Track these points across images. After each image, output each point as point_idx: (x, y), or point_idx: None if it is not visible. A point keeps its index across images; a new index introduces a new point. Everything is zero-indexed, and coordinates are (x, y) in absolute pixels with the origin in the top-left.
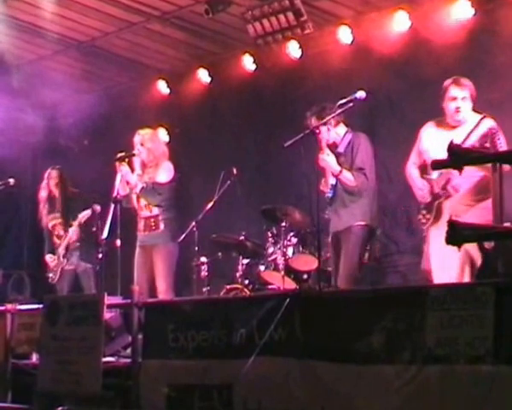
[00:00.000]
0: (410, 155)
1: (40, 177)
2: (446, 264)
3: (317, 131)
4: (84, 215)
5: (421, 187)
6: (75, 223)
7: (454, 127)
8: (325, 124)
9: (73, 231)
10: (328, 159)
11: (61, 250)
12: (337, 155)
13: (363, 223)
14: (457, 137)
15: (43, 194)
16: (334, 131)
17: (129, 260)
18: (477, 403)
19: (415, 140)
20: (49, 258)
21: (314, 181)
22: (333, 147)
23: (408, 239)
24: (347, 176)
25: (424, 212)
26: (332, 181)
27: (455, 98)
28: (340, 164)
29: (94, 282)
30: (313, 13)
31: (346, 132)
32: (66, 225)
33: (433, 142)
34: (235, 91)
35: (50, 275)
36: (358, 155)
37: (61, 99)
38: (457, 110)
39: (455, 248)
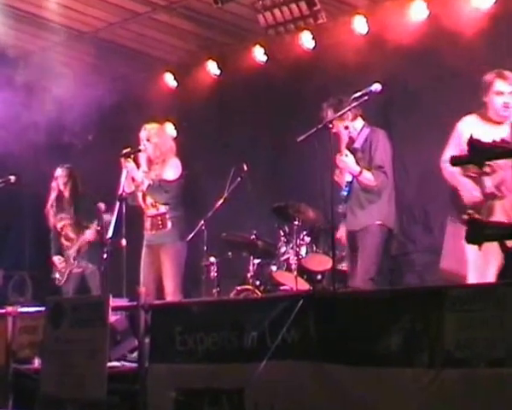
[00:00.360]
0: (445, 151)
1: (42, 174)
2: (490, 267)
3: (332, 125)
4: (106, 219)
5: (469, 187)
6: (93, 225)
7: (499, 123)
8: (342, 118)
9: (90, 234)
10: (347, 160)
11: (72, 252)
12: (354, 152)
13: (380, 222)
14: (504, 133)
15: (52, 194)
16: (352, 126)
17: (135, 260)
18: (498, 408)
19: (433, 134)
20: (57, 259)
21: (328, 177)
22: (349, 142)
23: (425, 237)
24: (367, 176)
25: (471, 212)
26: (348, 178)
27: (501, 93)
28: (357, 161)
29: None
30: (327, 2)
31: (363, 127)
32: (76, 226)
33: (479, 136)
34: (246, 84)
35: (57, 277)
36: (377, 152)
37: (64, 93)
38: (506, 106)
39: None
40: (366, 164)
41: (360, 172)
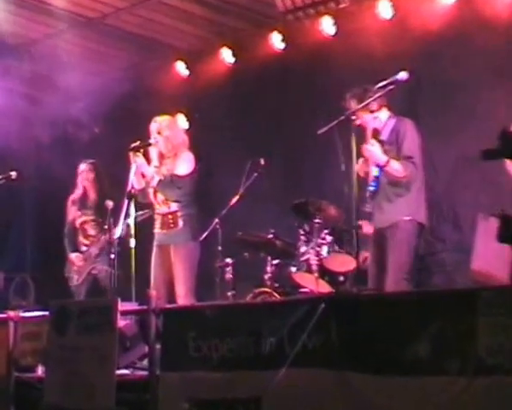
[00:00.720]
0: None
1: (45, 169)
2: None
3: (355, 116)
4: (143, 214)
5: None
6: (126, 221)
7: None
8: (367, 109)
9: (122, 231)
10: (373, 149)
11: (94, 250)
12: (380, 144)
13: (410, 217)
14: None
15: (76, 191)
16: (377, 116)
17: (145, 261)
18: None
19: (465, 127)
20: (75, 257)
21: (351, 172)
22: (374, 134)
23: (455, 236)
24: (395, 166)
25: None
26: (375, 172)
27: None
28: (384, 154)
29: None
30: None
31: (389, 118)
32: (98, 224)
33: None
34: (262, 73)
35: (74, 276)
36: (405, 142)
37: (69, 83)
38: None
39: None
40: (394, 156)
41: (387, 162)
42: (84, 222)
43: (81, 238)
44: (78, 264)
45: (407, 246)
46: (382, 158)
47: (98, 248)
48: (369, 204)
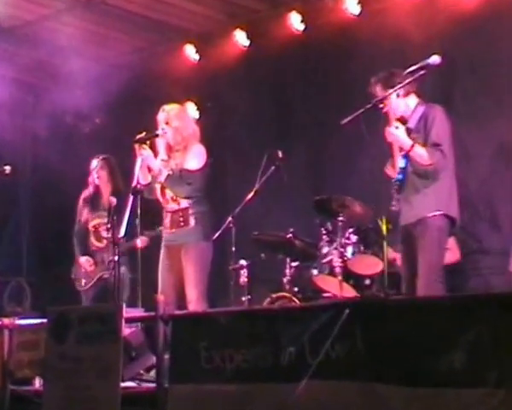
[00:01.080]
0: None
1: (42, 163)
2: None
3: (382, 104)
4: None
5: None
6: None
7: None
8: (395, 95)
9: (142, 241)
10: (397, 132)
11: (106, 256)
12: (407, 132)
13: (439, 212)
14: None
15: (88, 191)
16: (404, 102)
17: (152, 263)
18: None
19: (504, 117)
20: (85, 261)
21: (378, 166)
22: (402, 122)
23: (493, 236)
24: (420, 152)
25: None
26: (401, 163)
27: None
28: None
29: (127, 291)
30: None
31: (418, 105)
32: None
33: None
34: (280, 57)
35: (83, 281)
36: (433, 128)
37: (68, 69)
38: None
39: None
40: (421, 144)
41: (412, 147)
42: (98, 225)
43: (93, 240)
44: (88, 268)
45: (438, 245)
46: (407, 142)
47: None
48: (395, 201)
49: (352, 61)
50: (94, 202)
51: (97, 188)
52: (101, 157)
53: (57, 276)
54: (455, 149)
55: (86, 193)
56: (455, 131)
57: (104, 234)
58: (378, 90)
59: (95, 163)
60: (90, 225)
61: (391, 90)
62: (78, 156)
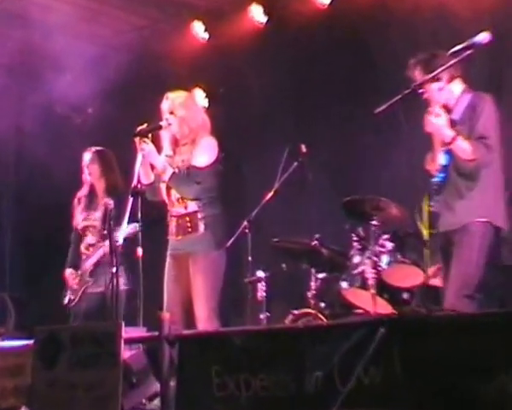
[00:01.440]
0: None
1: (25, 160)
2: None
3: (423, 89)
4: (129, 231)
5: None
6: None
7: None
8: (435, 79)
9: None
10: (438, 121)
11: (88, 266)
12: (451, 124)
13: (484, 219)
14: None
15: (82, 191)
16: (448, 89)
17: (155, 275)
18: None
19: None
20: (69, 274)
21: (417, 162)
22: (445, 110)
23: None
24: (463, 145)
25: None
26: (442, 160)
27: None
28: None
29: (123, 308)
30: None
31: (463, 92)
32: (102, 231)
33: None
34: (301, 35)
35: (68, 296)
36: (480, 119)
37: (57, 50)
38: None
39: None
40: (466, 137)
41: (454, 139)
42: (85, 228)
43: (83, 249)
44: (71, 282)
45: (477, 254)
46: (449, 133)
47: (93, 264)
48: (434, 202)
49: (386, 41)
50: (88, 201)
51: (92, 187)
52: (92, 149)
53: (45, 290)
54: (503, 143)
55: (80, 193)
56: (505, 124)
57: (90, 239)
58: (417, 74)
59: (86, 156)
60: (79, 228)
61: (432, 74)
62: (70, 152)
